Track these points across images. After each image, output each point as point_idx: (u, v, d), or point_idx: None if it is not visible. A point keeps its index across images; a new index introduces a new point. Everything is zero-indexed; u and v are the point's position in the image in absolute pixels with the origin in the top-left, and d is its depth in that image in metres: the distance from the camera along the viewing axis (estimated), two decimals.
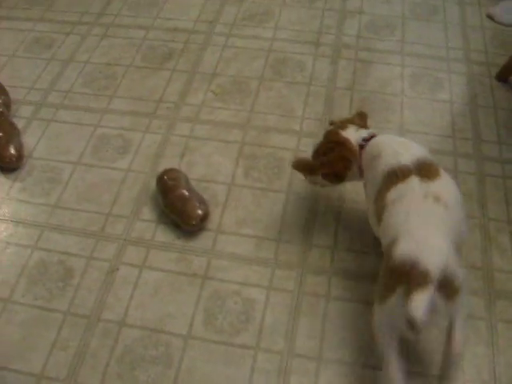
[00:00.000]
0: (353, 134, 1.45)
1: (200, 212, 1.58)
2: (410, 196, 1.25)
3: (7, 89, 1.98)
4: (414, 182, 1.26)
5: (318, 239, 1.58)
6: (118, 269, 1.55)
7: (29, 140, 1.87)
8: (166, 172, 1.66)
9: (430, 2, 2.33)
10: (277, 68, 2.04)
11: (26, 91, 2.05)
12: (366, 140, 1.43)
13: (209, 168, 1.75)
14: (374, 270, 1.49)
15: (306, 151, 1.75)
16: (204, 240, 1.59)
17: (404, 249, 1.16)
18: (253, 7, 2.30)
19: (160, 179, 1.65)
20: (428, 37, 2.17)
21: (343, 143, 1.44)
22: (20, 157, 1.79)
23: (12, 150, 1.77)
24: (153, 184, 1.68)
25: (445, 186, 1.29)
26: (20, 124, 1.90)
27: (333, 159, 1.45)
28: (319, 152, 1.50)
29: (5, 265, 1.59)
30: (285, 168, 1.73)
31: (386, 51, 2.11)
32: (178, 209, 1.59)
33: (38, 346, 1.43)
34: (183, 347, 1.41)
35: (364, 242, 1.57)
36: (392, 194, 1.28)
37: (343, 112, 1.88)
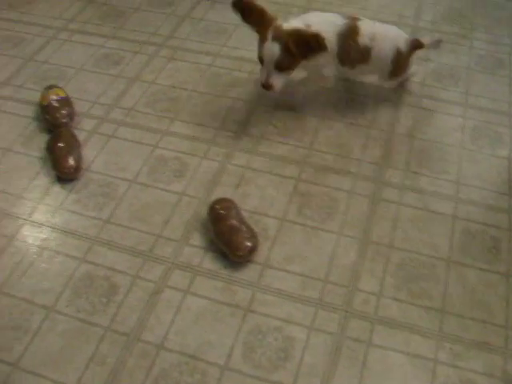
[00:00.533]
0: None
1: (249, 244, 1.58)
2: None
3: (72, 100, 2.02)
4: None
5: (365, 284, 1.57)
6: (162, 291, 1.55)
7: (88, 153, 1.90)
8: (219, 201, 1.67)
9: (496, 55, 2.31)
10: (340, 108, 2.04)
11: (90, 105, 2.09)
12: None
13: (262, 201, 1.75)
14: (417, 322, 1.48)
15: (361, 194, 1.75)
16: (250, 272, 1.59)
17: None
18: None
19: (212, 208, 1.65)
20: (492, 90, 2.15)
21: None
22: (78, 168, 1.81)
23: (71, 161, 1.80)
24: (205, 211, 1.69)
25: None
26: (81, 136, 1.94)
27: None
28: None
29: (52, 273, 1.61)
30: (338, 209, 1.72)
31: (449, 101, 2.09)
32: (226, 239, 1.59)
33: (76, 358, 1.44)
34: (219, 377, 1.40)
35: (411, 292, 1.55)
36: None
37: (401, 157, 1.86)
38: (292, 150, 1.89)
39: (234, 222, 1.61)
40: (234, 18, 2.30)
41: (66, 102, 1.99)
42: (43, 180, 1.85)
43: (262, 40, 1.72)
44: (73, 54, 2.32)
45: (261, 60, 1.76)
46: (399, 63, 1.92)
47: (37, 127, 2.03)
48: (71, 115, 1.98)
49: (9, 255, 1.67)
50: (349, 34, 1.81)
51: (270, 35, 1.70)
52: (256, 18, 1.74)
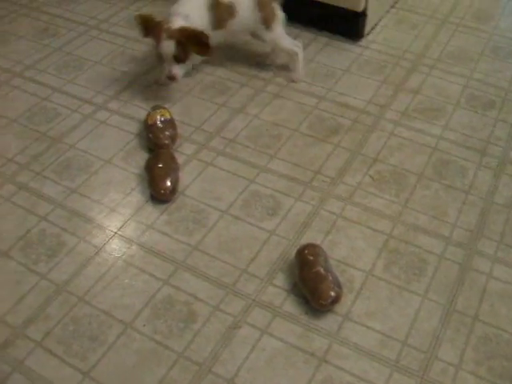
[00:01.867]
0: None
1: (333, 294, 1.56)
2: None
3: (176, 123, 2.06)
4: None
5: (444, 353, 1.52)
6: (240, 327, 1.54)
7: (185, 177, 1.93)
8: (308, 246, 1.65)
9: None
10: (438, 168, 2.01)
11: (193, 130, 2.12)
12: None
13: (351, 251, 1.72)
14: None
15: (451, 259, 1.70)
16: (330, 322, 1.56)
17: None
18: (426, 101, 2.29)
19: (300, 252, 1.64)
20: None
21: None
22: (173, 191, 1.84)
23: (168, 183, 1.83)
24: (293, 252, 1.68)
25: None
26: (180, 160, 1.97)
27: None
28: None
29: (135, 290, 1.63)
30: (426, 271, 1.69)
31: None
32: (311, 285, 1.58)
33: (146, 378, 1.45)
34: None
35: (491, 370, 1.49)
36: None
37: (496, 228, 1.81)
38: (386, 205, 1.86)
39: (321, 269, 1.59)
40: (343, 62, 2.32)
41: (170, 123, 2.03)
42: (137, 197, 1.89)
43: (158, 41, 2.04)
44: (184, 79, 2.36)
45: (160, 57, 2.10)
46: (265, 10, 2.19)
47: (138, 144, 2.07)
48: (173, 137, 2.01)
49: (95, 265, 1.70)
50: (215, 3, 2.14)
51: (164, 35, 2.03)
52: (150, 27, 2.07)
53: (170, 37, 2.03)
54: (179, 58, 2.08)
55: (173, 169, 1.88)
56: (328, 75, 2.38)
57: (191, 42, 2.05)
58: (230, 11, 2.17)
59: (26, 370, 1.47)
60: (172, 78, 2.13)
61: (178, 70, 2.11)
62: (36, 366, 1.48)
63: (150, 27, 2.08)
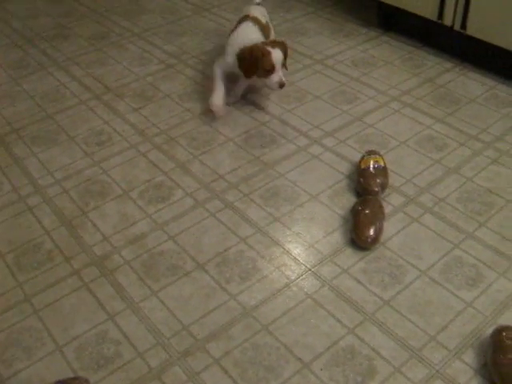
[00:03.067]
0: None
1: None
2: None
3: (388, 172, 2.03)
4: None
5: None
6: None
7: (388, 228, 1.90)
8: (507, 328, 1.55)
9: None
10: None
11: (403, 181, 2.08)
12: None
13: None
14: None
15: None
16: None
17: None
18: None
19: (497, 333, 1.54)
20: None
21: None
22: (376, 240, 1.82)
23: (372, 231, 1.81)
24: (488, 331, 1.59)
25: None
26: (387, 209, 1.94)
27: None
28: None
29: (319, 332, 1.62)
30: None
31: None
32: (504, 372, 1.47)
33: None
34: None
35: None
36: None
37: None
38: None
39: None
40: None
41: (382, 171, 2.01)
42: (338, 238, 1.88)
43: (267, 53, 2.24)
44: (399, 126, 2.35)
45: (273, 68, 2.25)
46: None
47: (346, 186, 2.07)
48: (384, 186, 1.99)
49: (284, 297, 1.71)
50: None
51: (271, 46, 2.27)
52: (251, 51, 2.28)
53: (277, 46, 2.28)
54: (283, 65, 2.32)
55: (379, 218, 1.86)
56: None
57: (286, 51, 2.34)
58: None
59: (200, 383, 1.50)
60: (284, 84, 2.28)
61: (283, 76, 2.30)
62: (210, 381, 1.52)
63: (251, 52, 2.26)
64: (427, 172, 2.13)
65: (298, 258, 1.83)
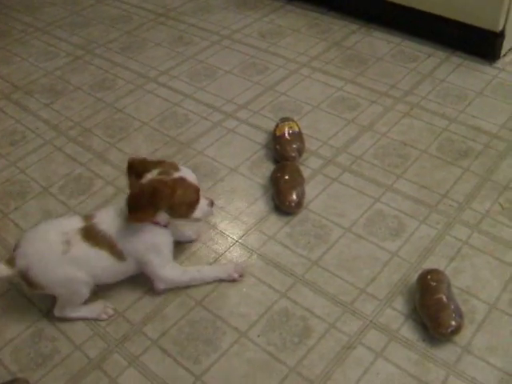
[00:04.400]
0: None
1: (453, 323, 1.50)
2: None
3: (304, 137, 2.06)
4: None
5: None
6: (355, 347, 1.52)
7: (309, 191, 1.92)
8: (431, 272, 1.60)
9: None
10: None
11: (320, 144, 2.11)
12: None
13: (475, 281, 1.66)
14: None
15: None
16: (448, 353, 1.50)
17: None
18: None
19: (423, 277, 1.60)
20: None
21: None
22: (299, 204, 1.84)
23: (294, 196, 1.83)
24: (414, 276, 1.64)
25: None
26: (306, 173, 1.96)
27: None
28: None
29: (252, 300, 1.64)
30: None
31: None
32: (432, 313, 1.53)
33: None
34: None
35: None
36: None
37: None
38: None
39: (443, 297, 1.54)
40: (477, 84, 2.25)
41: (298, 136, 2.03)
42: (261, 207, 1.90)
43: (181, 180, 1.55)
44: (311, 91, 2.38)
45: (197, 196, 1.61)
46: None
47: (264, 155, 2.09)
48: (300, 150, 2.01)
49: None
50: None
51: (172, 171, 1.58)
52: None
53: (175, 171, 1.59)
54: None
55: (299, 182, 1.88)
56: (460, 97, 2.31)
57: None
58: None
59: (141, 366, 1.51)
60: (213, 204, 1.68)
61: None
62: (151, 363, 1.52)
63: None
64: (342, 132, 2.16)
65: (223, 231, 1.84)
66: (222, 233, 1.83)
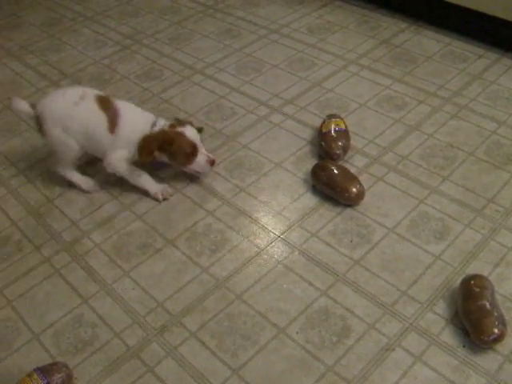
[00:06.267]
0: None
1: (496, 331, 1.48)
2: None
3: (350, 134, 2.04)
4: None
5: None
6: (393, 349, 1.50)
7: None
8: (475, 277, 1.58)
9: None
10: None
11: (366, 142, 2.10)
12: None
13: None
14: None
15: None
16: (489, 361, 1.48)
17: None
18: None
19: (466, 282, 1.58)
20: None
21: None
22: (360, 194, 1.86)
23: (354, 188, 1.85)
24: (457, 281, 1.62)
25: None
26: (351, 171, 1.94)
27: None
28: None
29: (292, 296, 1.63)
30: None
31: None
32: (474, 318, 1.51)
33: None
34: None
35: None
36: None
37: None
38: None
39: (487, 303, 1.52)
40: None
41: (344, 134, 2.02)
42: (304, 203, 1.90)
43: (182, 135, 1.90)
44: (359, 89, 2.36)
45: (194, 150, 1.92)
46: None
47: (309, 151, 2.09)
48: (346, 148, 2.00)
49: (256, 266, 1.72)
50: None
51: (181, 128, 1.92)
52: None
53: (185, 124, 1.98)
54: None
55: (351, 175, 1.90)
56: (510, 99, 2.27)
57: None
58: None
59: (178, 357, 1.52)
60: (214, 162, 1.97)
61: None
62: (188, 354, 1.53)
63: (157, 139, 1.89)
64: (389, 131, 2.14)
65: (266, 226, 1.84)
66: (264, 227, 1.83)
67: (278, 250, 1.76)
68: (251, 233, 1.82)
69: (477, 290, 1.55)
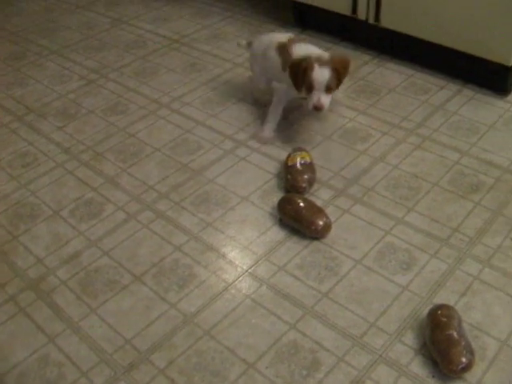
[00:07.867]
0: None
1: (464, 360, 1.49)
2: None
3: (315, 167, 2.06)
4: None
5: None
6: (363, 382, 1.51)
7: None
8: (442, 307, 1.59)
9: None
10: None
11: (331, 175, 2.12)
12: None
13: (486, 317, 1.65)
14: None
15: None
16: None
17: None
18: None
19: (433, 312, 1.59)
20: None
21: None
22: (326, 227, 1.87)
23: (321, 222, 1.87)
24: (424, 311, 1.63)
25: None
26: (317, 204, 1.96)
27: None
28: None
29: (260, 331, 1.63)
30: None
31: None
32: (442, 349, 1.51)
33: None
34: None
35: None
36: None
37: None
38: None
39: (454, 333, 1.53)
40: (489, 117, 2.25)
41: (309, 167, 2.04)
42: (271, 237, 1.90)
43: (311, 68, 2.02)
44: (323, 122, 2.38)
45: (311, 87, 2.04)
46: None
47: (276, 185, 2.10)
48: (311, 181, 2.02)
49: (224, 301, 1.72)
50: None
51: (316, 64, 2.02)
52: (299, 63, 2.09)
53: (324, 64, 2.04)
54: (330, 87, 2.05)
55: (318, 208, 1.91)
56: (471, 130, 2.32)
57: (343, 71, 2.08)
58: None
59: None
60: (319, 108, 2.07)
61: (326, 99, 2.07)
62: None
63: (300, 63, 2.07)
64: (354, 163, 2.16)
65: (233, 260, 1.83)
66: (231, 262, 1.83)
67: (245, 285, 1.76)
68: (219, 268, 1.81)
69: (444, 319, 1.56)
